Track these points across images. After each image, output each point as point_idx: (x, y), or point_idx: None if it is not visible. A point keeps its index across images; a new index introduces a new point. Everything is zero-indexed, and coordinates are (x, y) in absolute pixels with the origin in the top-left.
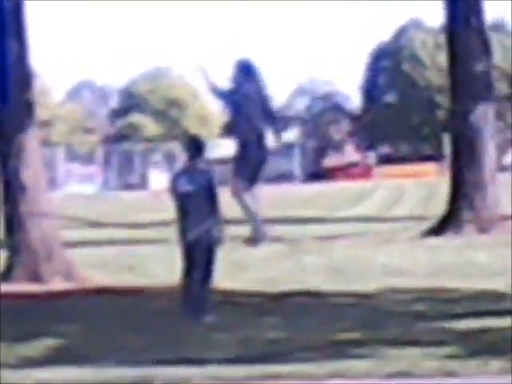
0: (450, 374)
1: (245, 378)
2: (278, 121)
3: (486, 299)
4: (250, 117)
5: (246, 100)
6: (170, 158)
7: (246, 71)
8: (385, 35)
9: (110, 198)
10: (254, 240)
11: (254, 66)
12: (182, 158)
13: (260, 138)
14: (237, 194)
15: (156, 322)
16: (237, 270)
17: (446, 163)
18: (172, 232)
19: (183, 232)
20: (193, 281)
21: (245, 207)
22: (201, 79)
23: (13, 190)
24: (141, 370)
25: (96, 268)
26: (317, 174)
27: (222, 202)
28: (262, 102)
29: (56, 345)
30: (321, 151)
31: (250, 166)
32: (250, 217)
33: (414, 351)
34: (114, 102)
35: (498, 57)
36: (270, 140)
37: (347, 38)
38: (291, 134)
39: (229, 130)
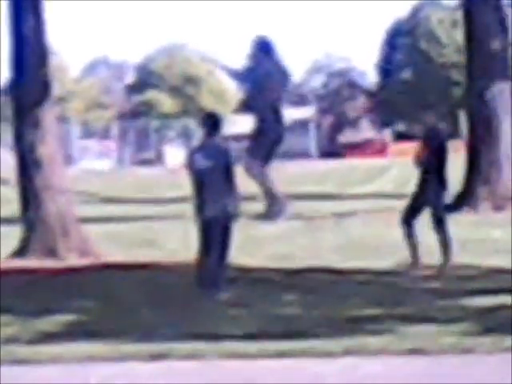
0: (466, 350)
1: (260, 354)
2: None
3: (501, 276)
4: (267, 93)
5: (264, 77)
6: (185, 135)
7: (264, 49)
8: (401, 12)
9: (126, 174)
10: (268, 216)
11: (272, 44)
12: (197, 134)
13: (277, 115)
14: (251, 171)
15: (172, 297)
16: (253, 246)
17: (462, 141)
18: (188, 208)
19: (200, 208)
20: (209, 256)
21: (261, 183)
22: (221, 71)
23: (28, 165)
24: (156, 344)
25: (112, 243)
26: (332, 151)
27: (237, 179)
28: (281, 78)
29: (71, 320)
30: (336, 128)
31: (267, 142)
32: (267, 192)
33: (429, 328)
34: (130, 78)
35: None
36: (284, 117)
37: (364, 14)
38: (307, 111)
39: (245, 106)
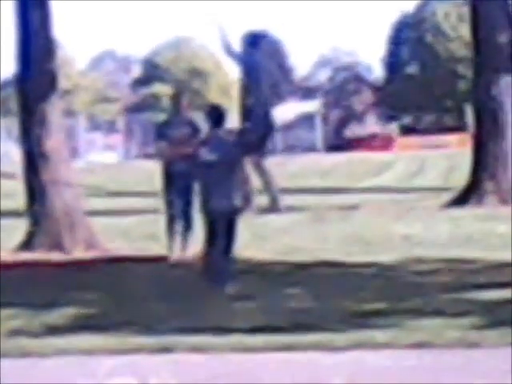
0: (472, 344)
1: (266, 348)
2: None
3: (507, 270)
4: (257, 87)
5: (255, 70)
6: None
7: (252, 43)
8: (407, 6)
9: (132, 167)
10: (272, 209)
11: (261, 38)
12: (204, 127)
13: (266, 110)
14: (256, 165)
15: (178, 290)
16: (259, 239)
17: (468, 134)
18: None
19: (205, 201)
20: (215, 250)
21: (266, 176)
22: (217, 36)
23: (35, 159)
24: (162, 337)
25: (117, 237)
26: (339, 145)
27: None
28: (272, 73)
29: (77, 313)
30: (343, 122)
31: (253, 137)
32: (270, 186)
33: (436, 322)
34: (137, 72)
35: None
36: (291, 111)
37: (370, 8)
38: (313, 105)
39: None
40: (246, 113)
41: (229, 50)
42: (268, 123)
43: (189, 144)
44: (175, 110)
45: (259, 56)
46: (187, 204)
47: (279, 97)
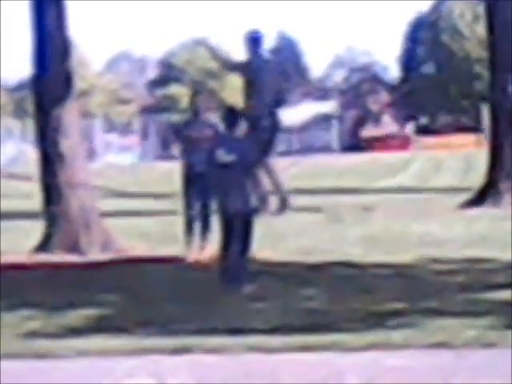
0: (489, 344)
1: (283, 348)
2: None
3: None
4: (261, 90)
5: (258, 70)
6: None
7: (254, 43)
8: (423, 5)
9: (148, 168)
10: (279, 210)
11: (262, 38)
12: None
13: (271, 111)
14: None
15: (194, 291)
16: (275, 240)
17: (485, 134)
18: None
19: (221, 202)
20: (231, 251)
21: (273, 177)
22: (214, 58)
23: (51, 160)
24: (179, 338)
25: (134, 238)
26: (355, 145)
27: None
28: (277, 74)
29: (94, 314)
30: (359, 122)
31: (262, 138)
32: (279, 187)
33: (452, 322)
34: (152, 73)
35: None
36: (307, 111)
37: (386, 8)
38: (329, 106)
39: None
40: (249, 114)
41: (229, 66)
42: (274, 124)
43: (207, 145)
44: (194, 110)
45: (262, 55)
46: (205, 205)
47: (294, 97)
